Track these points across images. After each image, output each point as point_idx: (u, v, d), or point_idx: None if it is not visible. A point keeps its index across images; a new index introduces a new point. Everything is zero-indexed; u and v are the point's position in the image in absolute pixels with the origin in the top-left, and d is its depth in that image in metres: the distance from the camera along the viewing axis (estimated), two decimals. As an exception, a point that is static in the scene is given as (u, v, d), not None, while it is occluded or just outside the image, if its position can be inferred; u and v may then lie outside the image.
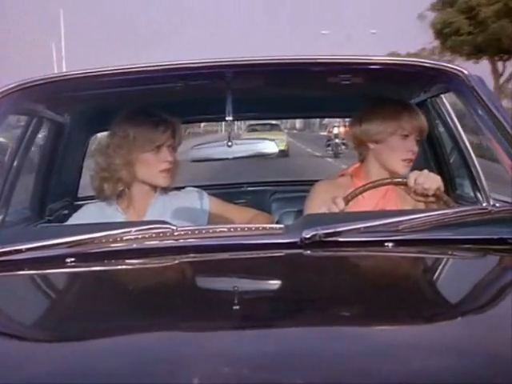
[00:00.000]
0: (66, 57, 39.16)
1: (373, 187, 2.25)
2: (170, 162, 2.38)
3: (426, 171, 2.16)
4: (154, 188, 2.45)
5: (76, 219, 2.43)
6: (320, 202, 2.26)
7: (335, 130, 25.26)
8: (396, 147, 2.38)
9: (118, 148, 2.38)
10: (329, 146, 26.10)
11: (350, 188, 2.33)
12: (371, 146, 2.43)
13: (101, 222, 2.24)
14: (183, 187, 2.61)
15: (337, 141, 25.22)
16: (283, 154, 22.69)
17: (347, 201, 2.17)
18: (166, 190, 2.46)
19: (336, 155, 24.35)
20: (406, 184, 2.20)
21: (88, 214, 2.43)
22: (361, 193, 2.23)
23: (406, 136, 2.37)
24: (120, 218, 2.39)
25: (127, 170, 2.38)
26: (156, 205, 2.44)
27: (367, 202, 2.30)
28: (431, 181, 2.12)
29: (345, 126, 21.35)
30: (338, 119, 17.80)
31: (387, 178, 2.33)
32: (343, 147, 24.45)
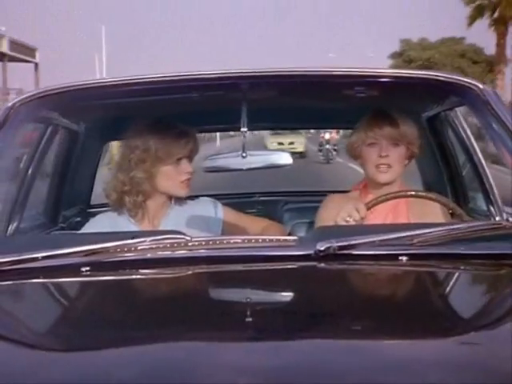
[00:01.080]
0: (106, 67, 40.37)
1: (395, 197, 2.27)
2: (190, 172, 2.39)
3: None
4: (170, 198, 2.46)
5: (88, 229, 2.44)
6: (331, 214, 2.26)
7: (327, 136, 25.13)
8: (368, 157, 2.39)
9: (139, 162, 2.38)
10: (320, 151, 25.94)
11: (359, 199, 2.36)
12: (359, 161, 2.46)
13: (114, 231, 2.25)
14: (197, 196, 2.61)
15: (328, 146, 25.10)
16: (301, 155, 25.55)
17: (368, 208, 2.18)
18: (180, 200, 2.47)
19: (327, 161, 24.40)
20: (428, 198, 2.21)
21: (100, 224, 2.43)
22: (383, 201, 2.24)
23: (374, 144, 2.37)
24: (133, 228, 2.40)
25: (149, 183, 2.38)
26: (170, 215, 2.44)
27: (377, 215, 2.30)
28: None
29: (337, 131, 21.57)
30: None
31: (411, 191, 2.34)
32: (334, 153, 24.54)
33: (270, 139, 26.87)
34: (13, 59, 33.26)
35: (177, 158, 2.38)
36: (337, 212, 2.21)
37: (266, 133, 26.26)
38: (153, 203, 2.44)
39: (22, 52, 34.35)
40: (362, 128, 2.42)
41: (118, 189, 2.40)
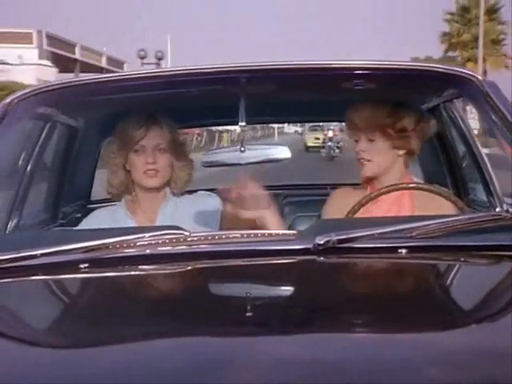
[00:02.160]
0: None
1: (396, 189, 2.27)
2: (152, 162, 2.36)
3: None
4: (163, 192, 2.46)
5: (86, 224, 2.44)
6: (338, 208, 2.26)
7: (330, 133, 25.29)
8: (355, 151, 2.40)
9: (110, 153, 2.43)
10: (323, 148, 26.09)
11: (366, 193, 2.35)
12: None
13: (112, 227, 2.25)
14: (195, 191, 2.61)
15: (330, 144, 25.18)
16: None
17: (370, 199, 2.21)
18: (176, 194, 2.47)
19: (330, 158, 24.40)
20: (428, 190, 2.21)
21: (98, 219, 2.44)
22: (383, 193, 2.24)
23: (356, 141, 2.37)
24: (130, 222, 2.40)
25: (123, 173, 2.42)
26: (166, 208, 2.44)
27: (380, 206, 2.30)
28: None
29: (341, 130, 21.79)
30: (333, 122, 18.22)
31: (412, 183, 2.34)
32: (337, 151, 24.59)
33: (309, 135, 30.98)
34: (107, 72, 37.81)
35: (138, 145, 2.37)
36: (343, 206, 2.21)
37: (306, 130, 31.00)
38: (143, 196, 2.44)
39: (115, 65, 40.23)
40: (347, 125, 2.44)
41: (113, 183, 2.43)
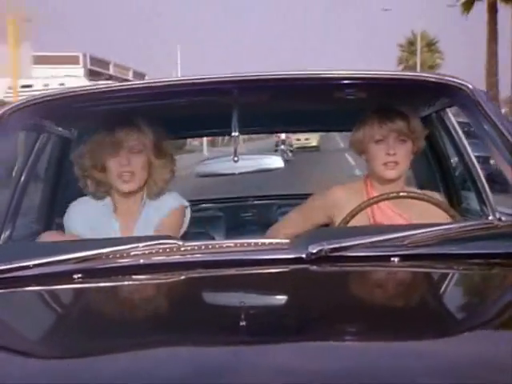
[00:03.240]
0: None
1: (387, 199, 2.28)
2: (126, 165, 2.31)
3: None
4: (139, 195, 2.41)
5: (73, 211, 2.45)
6: (332, 203, 2.31)
7: (282, 136, 25.35)
8: (374, 154, 2.38)
9: (89, 152, 2.40)
10: (276, 151, 25.80)
11: (363, 193, 2.39)
12: (362, 156, 2.46)
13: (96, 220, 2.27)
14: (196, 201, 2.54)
15: (283, 147, 25.18)
16: (316, 148, 30.28)
17: (359, 211, 2.21)
18: (152, 197, 2.41)
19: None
20: (419, 199, 2.22)
21: (84, 211, 2.43)
22: (371, 204, 2.26)
23: (381, 140, 2.37)
24: (114, 222, 2.39)
25: (98, 173, 2.38)
26: (142, 213, 2.41)
27: (362, 214, 2.30)
28: None
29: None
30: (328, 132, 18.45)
31: (403, 191, 2.34)
32: (290, 154, 24.66)
33: (295, 137, 31.58)
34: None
35: (110, 149, 2.33)
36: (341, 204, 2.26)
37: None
38: (122, 201, 2.41)
39: (140, 78, 45.42)
40: (369, 124, 2.40)
41: (90, 187, 2.41)
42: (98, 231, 2.35)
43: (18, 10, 13.46)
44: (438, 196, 2.42)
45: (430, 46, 49.31)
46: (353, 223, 2.20)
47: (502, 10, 31.83)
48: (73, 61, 36.11)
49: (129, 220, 2.40)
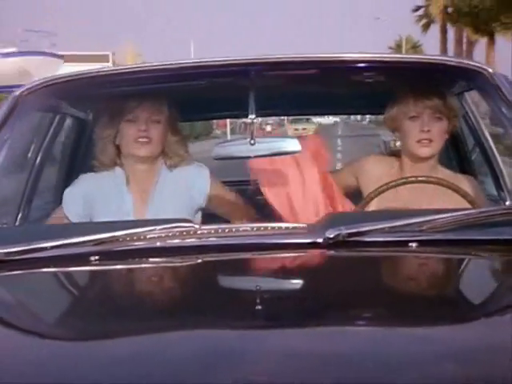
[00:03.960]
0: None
1: (408, 183, 2.27)
2: (144, 130, 2.33)
3: None
4: (156, 165, 2.42)
5: (76, 186, 2.45)
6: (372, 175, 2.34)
7: (268, 128, 25.38)
8: (408, 131, 2.36)
9: (101, 125, 2.42)
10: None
11: (395, 167, 2.41)
12: (396, 133, 2.45)
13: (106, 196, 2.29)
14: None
15: None
16: None
17: (371, 198, 2.21)
18: (170, 166, 2.43)
19: None
20: (438, 184, 2.21)
21: (91, 182, 2.43)
22: (389, 188, 2.25)
23: (416, 117, 2.34)
24: (126, 193, 2.38)
25: (112, 148, 2.39)
26: (158, 183, 2.41)
27: (418, 193, 2.30)
28: None
29: (280, 124, 22.05)
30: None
31: (422, 176, 2.32)
32: None
33: (289, 126, 32.66)
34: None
35: (129, 115, 2.35)
36: (375, 174, 2.33)
37: (286, 122, 32.86)
38: (137, 169, 2.41)
39: None
40: (404, 100, 2.38)
41: (102, 158, 2.42)
42: (107, 204, 2.35)
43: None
44: (469, 181, 2.39)
45: (415, 47, 54.57)
46: (376, 201, 2.22)
47: (450, 29, 41.36)
48: (103, 59, 38.18)
49: (142, 192, 2.40)
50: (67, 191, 2.44)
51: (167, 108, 2.38)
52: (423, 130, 2.31)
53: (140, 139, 2.33)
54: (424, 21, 44.16)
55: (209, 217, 2.47)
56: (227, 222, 2.45)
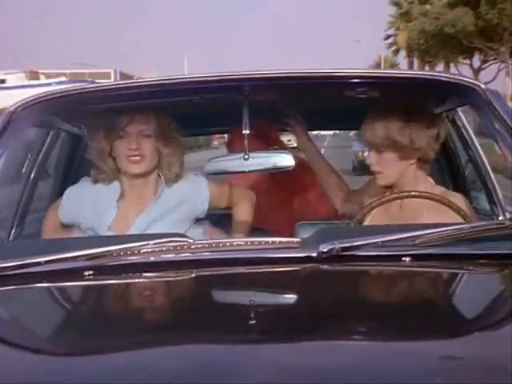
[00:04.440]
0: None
1: (399, 198, 2.27)
2: (135, 149, 2.32)
3: None
4: (152, 180, 2.42)
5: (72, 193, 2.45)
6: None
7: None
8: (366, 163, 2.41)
9: (96, 141, 2.41)
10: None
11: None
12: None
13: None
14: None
15: None
16: (297, 149, 29.42)
17: (371, 208, 2.23)
18: (169, 180, 2.42)
19: None
20: (429, 198, 2.21)
21: (84, 192, 2.43)
22: (382, 203, 2.25)
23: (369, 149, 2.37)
24: (112, 209, 2.38)
25: (111, 160, 2.38)
26: (161, 197, 2.41)
27: (384, 217, 2.29)
28: None
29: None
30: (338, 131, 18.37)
31: (414, 191, 2.31)
32: None
33: None
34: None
35: (121, 132, 2.34)
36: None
37: None
38: (131, 184, 2.41)
39: None
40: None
41: (104, 170, 2.41)
42: (93, 213, 2.35)
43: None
44: (460, 197, 2.38)
45: (393, 66, 58.82)
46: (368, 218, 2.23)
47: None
48: (105, 76, 40.24)
49: (138, 205, 2.39)
50: (68, 190, 2.46)
51: (158, 120, 2.38)
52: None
53: (132, 157, 2.33)
54: (394, 47, 49.37)
55: (215, 218, 2.49)
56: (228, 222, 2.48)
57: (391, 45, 49.55)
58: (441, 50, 36.17)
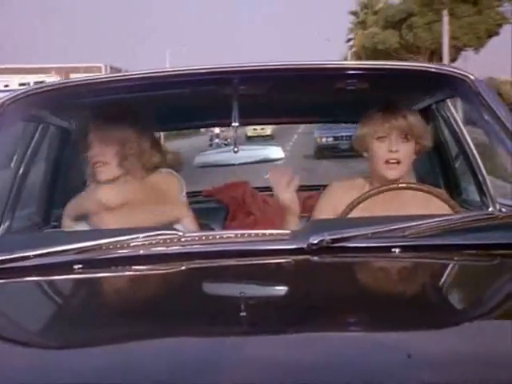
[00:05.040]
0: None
1: (387, 190, 2.25)
2: (96, 155, 2.32)
3: None
4: (122, 180, 2.40)
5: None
6: (333, 203, 2.26)
7: (216, 130, 24.88)
8: (376, 151, 2.32)
9: (81, 143, 2.42)
10: (211, 145, 24.50)
11: (365, 189, 2.33)
12: (364, 154, 2.42)
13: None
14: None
15: (217, 141, 24.73)
16: (270, 136, 31.45)
17: (359, 202, 2.19)
18: (136, 177, 2.40)
19: None
20: (420, 190, 2.20)
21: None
22: (374, 195, 2.23)
23: (383, 137, 2.33)
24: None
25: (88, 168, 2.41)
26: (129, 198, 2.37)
27: (379, 204, 2.28)
28: None
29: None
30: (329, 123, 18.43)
31: (403, 183, 2.30)
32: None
33: (248, 127, 31.63)
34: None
35: (88, 140, 2.35)
36: (338, 200, 2.22)
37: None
38: (107, 188, 2.38)
39: None
40: (371, 121, 2.35)
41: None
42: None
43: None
44: (443, 192, 2.39)
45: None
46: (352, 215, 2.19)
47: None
48: (95, 70, 40.90)
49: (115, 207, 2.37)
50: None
51: (127, 123, 2.36)
52: (391, 150, 2.31)
53: (95, 165, 2.34)
54: (354, 49, 50.96)
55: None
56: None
57: (351, 47, 52.79)
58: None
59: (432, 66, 2.11)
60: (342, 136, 20.08)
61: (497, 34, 35.89)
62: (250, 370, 1.07)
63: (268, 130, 33.90)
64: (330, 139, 21.32)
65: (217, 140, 24.75)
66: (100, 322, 1.37)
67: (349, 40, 53.25)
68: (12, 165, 2.69)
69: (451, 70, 2.07)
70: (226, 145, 24.22)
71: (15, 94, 2.08)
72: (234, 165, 2.27)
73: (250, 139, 29.71)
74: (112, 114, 2.36)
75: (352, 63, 2.13)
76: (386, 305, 1.40)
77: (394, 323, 1.28)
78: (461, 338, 1.21)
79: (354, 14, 49.28)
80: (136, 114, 2.39)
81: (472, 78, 1.99)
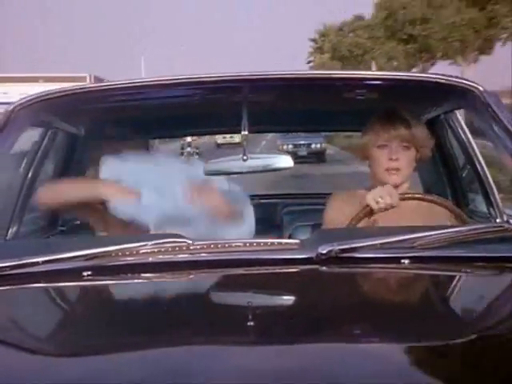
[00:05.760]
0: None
1: (420, 199, 2.25)
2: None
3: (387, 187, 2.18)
4: None
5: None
6: (337, 212, 2.25)
7: (188, 138, 24.85)
8: (377, 158, 2.34)
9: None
10: (182, 154, 24.77)
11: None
12: (367, 162, 2.43)
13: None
14: None
15: (189, 149, 24.71)
16: (238, 144, 28.84)
17: (401, 199, 2.19)
18: None
19: None
20: (417, 199, 2.20)
21: None
22: (415, 199, 2.23)
23: (384, 145, 2.34)
24: None
25: None
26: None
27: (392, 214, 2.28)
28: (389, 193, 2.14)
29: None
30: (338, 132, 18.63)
31: (434, 196, 2.30)
32: (196, 157, 24.14)
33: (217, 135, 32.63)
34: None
35: None
36: (342, 210, 2.20)
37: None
38: None
39: None
40: (373, 129, 2.36)
41: None
42: None
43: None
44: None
45: None
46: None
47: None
48: (81, 80, 42.26)
49: None
50: None
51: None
52: (391, 158, 2.31)
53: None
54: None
55: None
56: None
57: (311, 68, 57.03)
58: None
59: (441, 77, 2.11)
60: (300, 144, 23.75)
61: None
62: (258, 380, 1.07)
63: (236, 138, 34.33)
64: (290, 146, 23.65)
65: (188, 148, 24.65)
66: (108, 330, 1.37)
67: (309, 62, 57.44)
68: (21, 169, 2.70)
69: (460, 81, 2.08)
70: (197, 153, 24.28)
71: (26, 99, 2.09)
72: (242, 173, 2.27)
73: (220, 146, 30.40)
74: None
75: (362, 73, 2.13)
76: (394, 316, 1.40)
77: (403, 335, 1.28)
78: (467, 351, 1.21)
79: (313, 40, 54.15)
80: (162, 120, 2.42)
81: (481, 89, 1.99)
